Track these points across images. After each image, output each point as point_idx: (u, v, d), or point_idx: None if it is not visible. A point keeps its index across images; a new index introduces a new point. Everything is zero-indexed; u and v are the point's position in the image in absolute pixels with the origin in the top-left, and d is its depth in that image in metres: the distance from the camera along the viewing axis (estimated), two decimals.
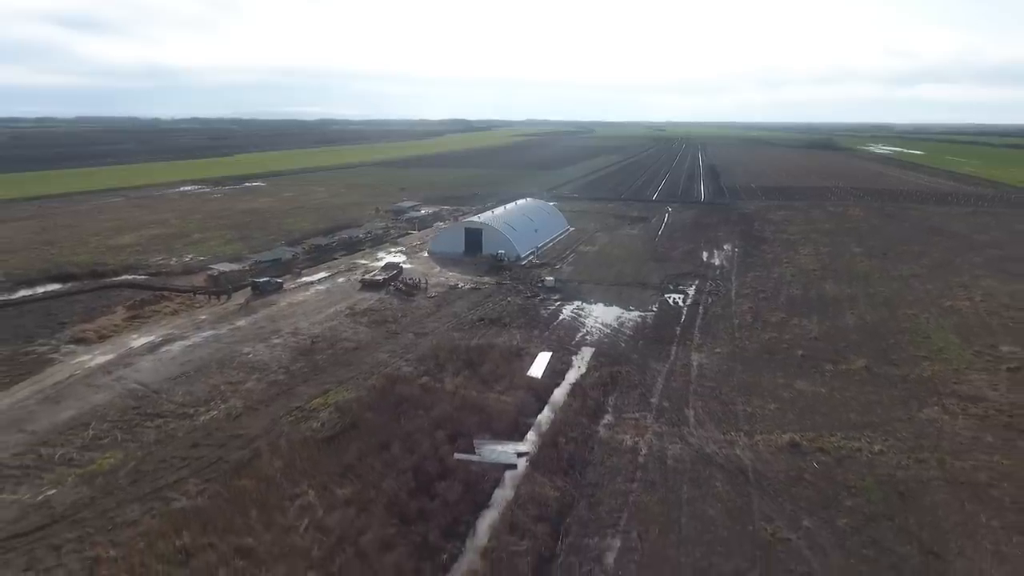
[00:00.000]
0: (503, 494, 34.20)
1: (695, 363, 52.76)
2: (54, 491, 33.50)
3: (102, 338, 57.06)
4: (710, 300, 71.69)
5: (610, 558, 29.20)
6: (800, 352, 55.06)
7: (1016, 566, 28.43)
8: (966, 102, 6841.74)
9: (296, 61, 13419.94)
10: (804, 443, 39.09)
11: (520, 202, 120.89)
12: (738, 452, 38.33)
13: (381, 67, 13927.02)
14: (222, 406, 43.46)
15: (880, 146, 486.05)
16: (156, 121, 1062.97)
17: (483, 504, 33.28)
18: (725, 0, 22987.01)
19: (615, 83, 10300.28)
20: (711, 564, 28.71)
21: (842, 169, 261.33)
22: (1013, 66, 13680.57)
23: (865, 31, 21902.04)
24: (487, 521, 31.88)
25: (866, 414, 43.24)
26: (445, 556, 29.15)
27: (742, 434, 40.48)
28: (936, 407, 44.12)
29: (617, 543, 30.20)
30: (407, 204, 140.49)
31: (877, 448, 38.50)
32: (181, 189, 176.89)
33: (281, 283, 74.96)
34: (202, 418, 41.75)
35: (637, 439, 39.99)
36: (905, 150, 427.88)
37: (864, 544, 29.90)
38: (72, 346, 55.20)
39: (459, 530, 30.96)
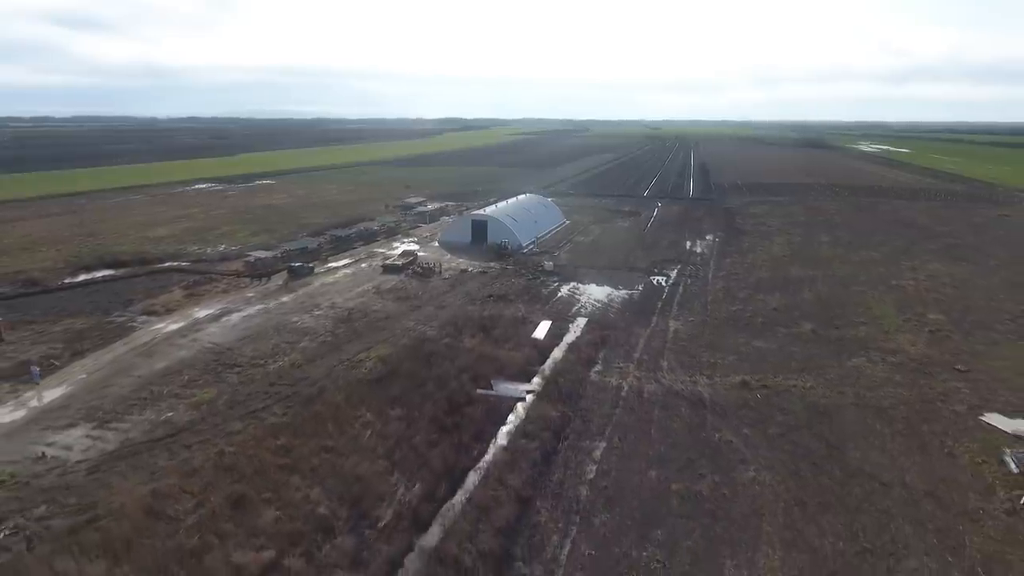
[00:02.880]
0: (516, 416, 44.44)
1: (671, 328, 63.08)
2: (172, 413, 43.62)
3: (169, 311, 67.06)
4: (689, 281, 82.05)
5: (597, 453, 39.45)
6: (760, 320, 65.47)
7: (892, 455, 38.82)
8: (961, 100, 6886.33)
9: (292, 60, 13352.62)
10: (752, 382, 49.43)
11: (520, 197, 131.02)
12: (699, 388, 48.65)
13: (376, 66, 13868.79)
14: (286, 359, 53.58)
15: (869, 144, 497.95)
16: (153, 120, 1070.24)
17: (501, 422, 43.52)
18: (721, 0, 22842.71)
19: (610, 81, 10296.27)
20: (672, 456, 38.97)
21: (828, 167, 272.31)
22: (1006, 64, 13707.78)
23: (861, 29, 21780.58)
24: (505, 431, 42.17)
25: (805, 363, 53.65)
26: (475, 451, 39.38)
27: (704, 376, 50.81)
28: (863, 357, 54.59)
29: (603, 444, 40.46)
30: (414, 200, 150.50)
31: (809, 385, 48.91)
32: (196, 187, 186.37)
33: (312, 268, 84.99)
34: (272, 367, 51.87)
35: (621, 381, 50.26)
36: (893, 148, 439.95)
37: (786, 443, 40.26)
38: (145, 317, 65.20)
39: (485, 436, 41.20)
